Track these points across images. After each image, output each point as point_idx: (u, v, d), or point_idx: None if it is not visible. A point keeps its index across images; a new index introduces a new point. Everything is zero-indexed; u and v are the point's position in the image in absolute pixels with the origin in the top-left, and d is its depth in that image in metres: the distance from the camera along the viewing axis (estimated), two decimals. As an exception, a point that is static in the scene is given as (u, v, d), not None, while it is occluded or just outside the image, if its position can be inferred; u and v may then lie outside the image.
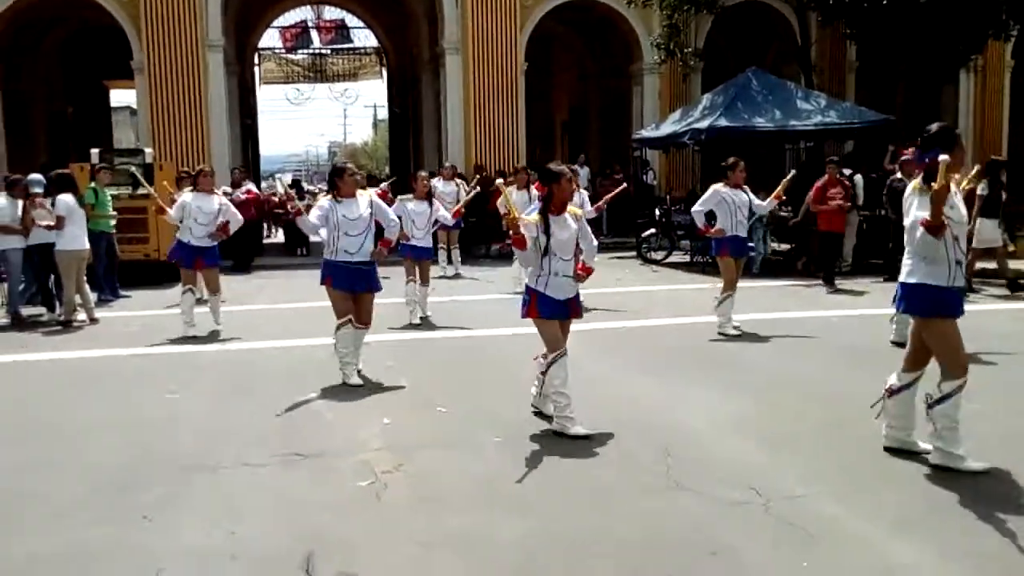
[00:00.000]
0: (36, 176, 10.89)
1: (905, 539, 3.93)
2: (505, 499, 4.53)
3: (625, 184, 11.22)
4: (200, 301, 10.22)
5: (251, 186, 17.12)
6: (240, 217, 9.82)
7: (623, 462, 5.06)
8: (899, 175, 12.64)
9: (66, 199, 10.14)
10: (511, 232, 5.54)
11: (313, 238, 7.50)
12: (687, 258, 15.68)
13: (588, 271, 5.93)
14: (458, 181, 15.12)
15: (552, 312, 5.69)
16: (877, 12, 14.91)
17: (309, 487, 4.78)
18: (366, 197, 7.20)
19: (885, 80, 20.10)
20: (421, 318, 9.92)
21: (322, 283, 7.12)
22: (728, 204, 8.88)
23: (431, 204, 10.20)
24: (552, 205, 5.65)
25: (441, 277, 13.50)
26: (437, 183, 13.67)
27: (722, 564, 3.77)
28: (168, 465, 5.11)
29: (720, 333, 8.75)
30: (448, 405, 6.35)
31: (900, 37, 15.37)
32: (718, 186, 8.96)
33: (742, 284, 9.19)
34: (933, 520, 4.15)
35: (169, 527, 4.22)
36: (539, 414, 5.95)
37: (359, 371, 7.20)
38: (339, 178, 7.13)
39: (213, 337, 9.15)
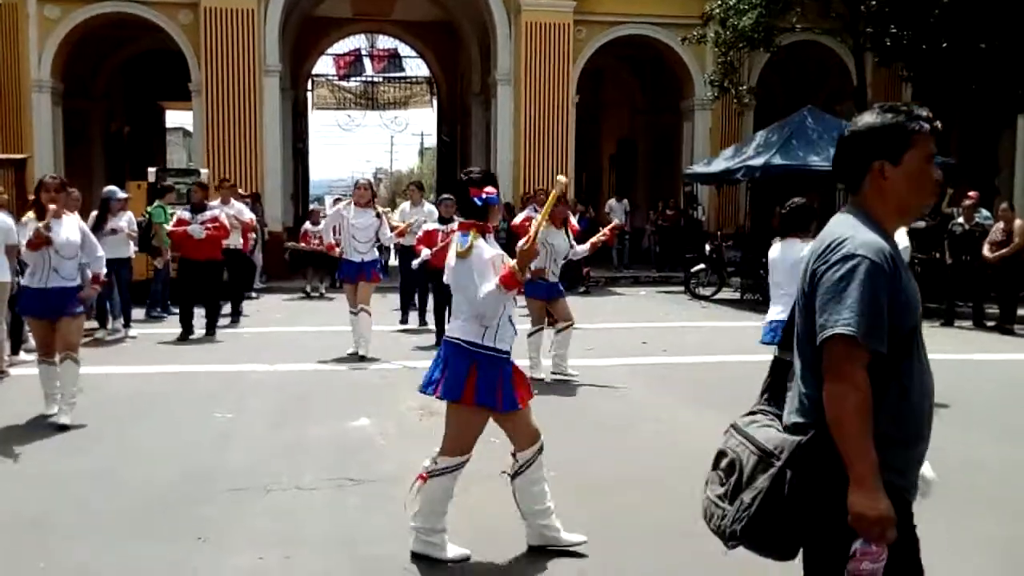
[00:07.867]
0: (113, 188, 11.14)
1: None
2: (561, 535, 4.42)
3: (617, 222, 10.41)
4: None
5: (228, 211, 11.41)
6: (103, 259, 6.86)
7: (678, 500, 4.93)
8: (961, 219, 12.45)
9: None
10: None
11: None
12: (737, 295, 15.49)
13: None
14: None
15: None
16: (935, 55, 14.75)
17: (363, 513, 4.72)
18: None
19: (942, 122, 19.77)
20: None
21: None
22: None
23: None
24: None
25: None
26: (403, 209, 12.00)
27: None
28: (220, 485, 5.09)
29: None
30: (501, 436, 6.25)
31: (957, 80, 15.18)
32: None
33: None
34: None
35: (223, 548, 4.18)
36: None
37: None
38: None
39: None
